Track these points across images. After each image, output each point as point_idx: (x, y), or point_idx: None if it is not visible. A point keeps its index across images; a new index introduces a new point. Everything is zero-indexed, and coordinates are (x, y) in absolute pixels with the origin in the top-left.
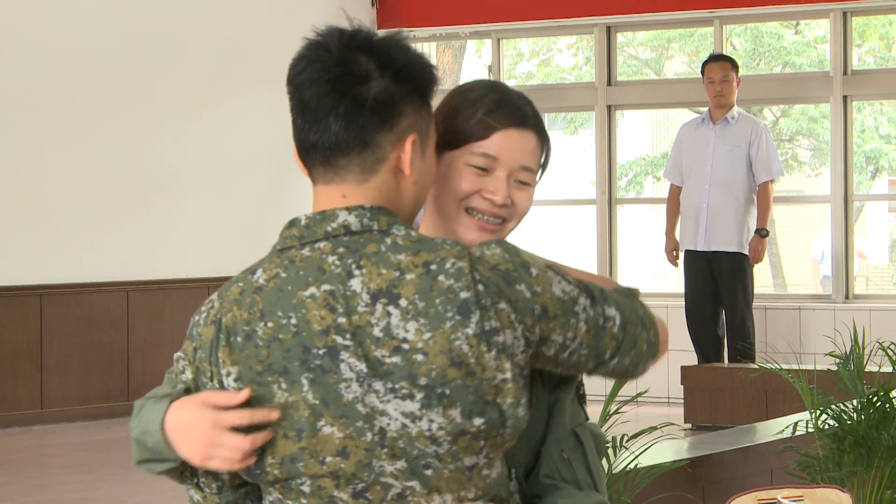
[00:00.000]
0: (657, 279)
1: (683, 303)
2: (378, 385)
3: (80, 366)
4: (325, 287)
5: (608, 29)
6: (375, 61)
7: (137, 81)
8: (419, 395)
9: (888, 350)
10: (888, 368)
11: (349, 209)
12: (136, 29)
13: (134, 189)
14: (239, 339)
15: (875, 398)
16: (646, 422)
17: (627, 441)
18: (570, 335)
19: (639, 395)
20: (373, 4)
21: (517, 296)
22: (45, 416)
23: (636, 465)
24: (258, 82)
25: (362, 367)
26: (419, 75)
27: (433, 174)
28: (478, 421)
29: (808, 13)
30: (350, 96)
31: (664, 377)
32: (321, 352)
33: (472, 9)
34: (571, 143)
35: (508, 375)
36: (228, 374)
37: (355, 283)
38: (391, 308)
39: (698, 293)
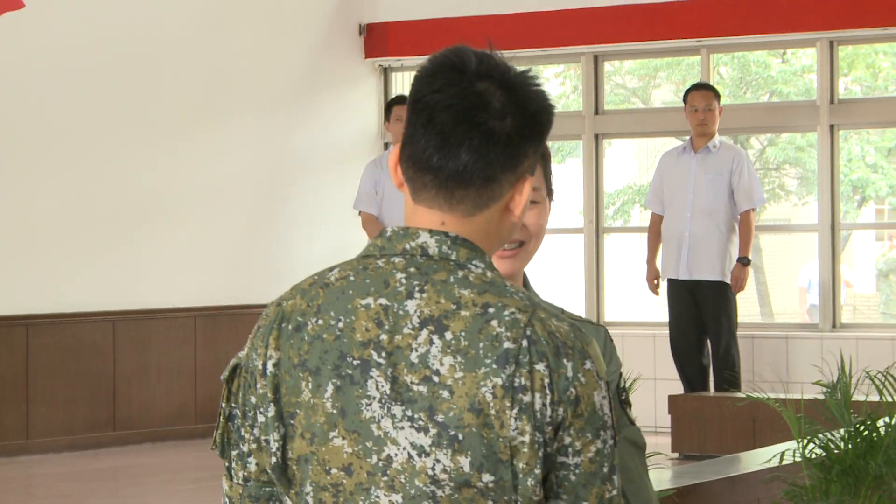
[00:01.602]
0: (644, 308)
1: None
2: (397, 410)
3: (66, 396)
4: (382, 301)
5: (595, 58)
6: (511, 97)
7: (122, 108)
8: (433, 431)
9: (875, 379)
10: (875, 397)
11: (431, 232)
12: (120, 56)
13: (119, 218)
14: (290, 327)
15: (862, 427)
16: None
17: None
18: (577, 446)
19: None
20: (360, 33)
21: (559, 368)
22: (31, 446)
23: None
24: (244, 110)
25: (387, 388)
26: (546, 120)
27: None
28: (487, 477)
29: (795, 42)
30: (484, 129)
31: (651, 406)
32: (355, 362)
33: (459, 38)
34: (559, 172)
35: (527, 439)
36: (270, 358)
37: (410, 305)
38: (435, 338)
39: (682, 322)
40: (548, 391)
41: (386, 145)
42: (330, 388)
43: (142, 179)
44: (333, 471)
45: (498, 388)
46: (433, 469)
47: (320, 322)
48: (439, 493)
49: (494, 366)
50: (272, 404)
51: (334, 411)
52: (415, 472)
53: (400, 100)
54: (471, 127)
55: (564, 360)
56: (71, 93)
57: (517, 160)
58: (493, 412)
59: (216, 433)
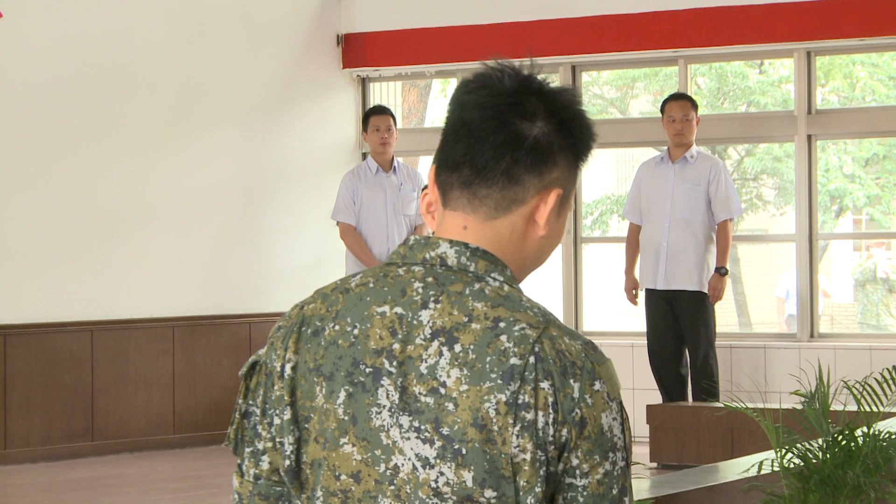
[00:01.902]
0: (622, 318)
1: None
2: (405, 420)
3: (43, 406)
4: (398, 310)
5: (573, 68)
6: (545, 105)
7: (99, 118)
8: (438, 443)
9: (853, 389)
10: (853, 407)
11: (452, 243)
12: (97, 65)
13: (97, 227)
14: (309, 331)
15: (840, 437)
16: None
17: None
18: (584, 468)
19: None
20: (338, 44)
21: (565, 388)
22: (8, 456)
23: None
24: (221, 120)
25: (396, 397)
26: (582, 133)
27: (559, 240)
28: (489, 493)
29: (772, 53)
30: (512, 128)
31: (630, 416)
32: (367, 370)
33: (438, 48)
34: None
35: (528, 457)
36: (289, 361)
37: (424, 315)
38: (445, 349)
39: (660, 332)
40: (551, 410)
41: (364, 155)
42: (342, 395)
43: (120, 189)
44: (343, 477)
45: (501, 405)
46: (436, 482)
47: (337, 328)
48: None
49: (500, 381)
50: (288, 407)
51: (346, 418)
52: (419, 483)
53: (378, 110)
54: (498, 124)
55: (571, 381)
56: (48, 102)
57: (544, 166)
58: (496, 428)
59: (231, 429)
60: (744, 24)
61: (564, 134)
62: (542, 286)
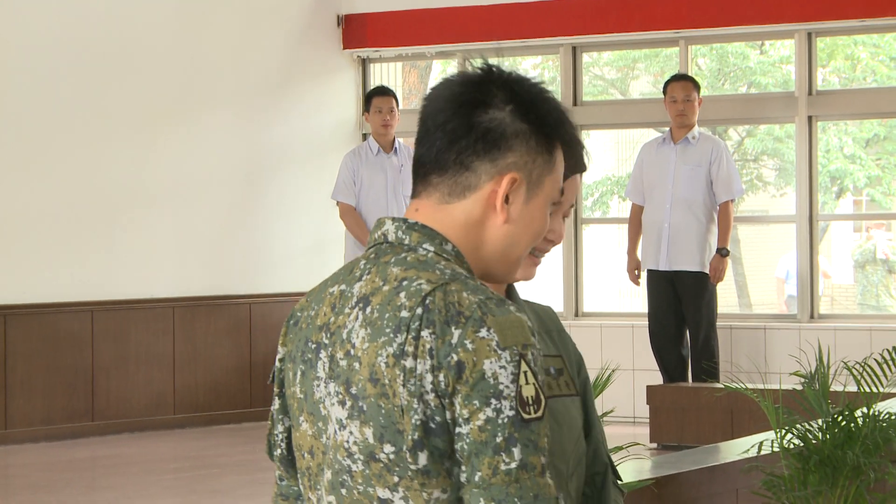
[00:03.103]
0: (623, 299)
1: (647, 322)
2: (332, 387)
3: (44, 386)
4: (342, 287)
5: (574, 49)
6: (504, 93)
7: (101, 99)
8: (348, 403)
9: (853, 369)
10: (853, 388)
11: (394, 220)
12: (98, 47)
13: (98, 208)
14: (292, 322)
15: (840, 418)
16: (612, 441)
17: None
18: (465, 414)
19: (605, 414)
20: (338, 24)
21: (445, 335)
22: (9, 436)
23: None
24: (223, 101)
25: (328, 367)
26: (542, 119)
27: (536, 230)
28: (388, 448)
29: (773, 34)
30: (462, 116)
31: (630, 397)
32: (312, 346)
33: (438, 29)
34: None
35: (405, 403)
36: (279, 354)
37: (357, 287)
38: (359, 313)
39: (662, 313)
40: (428, 357)
41: (364, 136)
42: (298, 375)
43: (120, 170)
44: (306, 455)
45: (390, 357)
46: (348, 442)
47: (306, 314)
48: (353, 467)
49: (391, 335)
50: (277, 398)
51: (301, 396)
52: (337, 446)
53: (380, 91)
54: (449, 114)
55: (452, 328)
56: (48, 85)
57: (497, 152)
58: (386, 381)
59: (267, 436)
60: (744, 5)
61: (522, 117)
62: (543, 267)
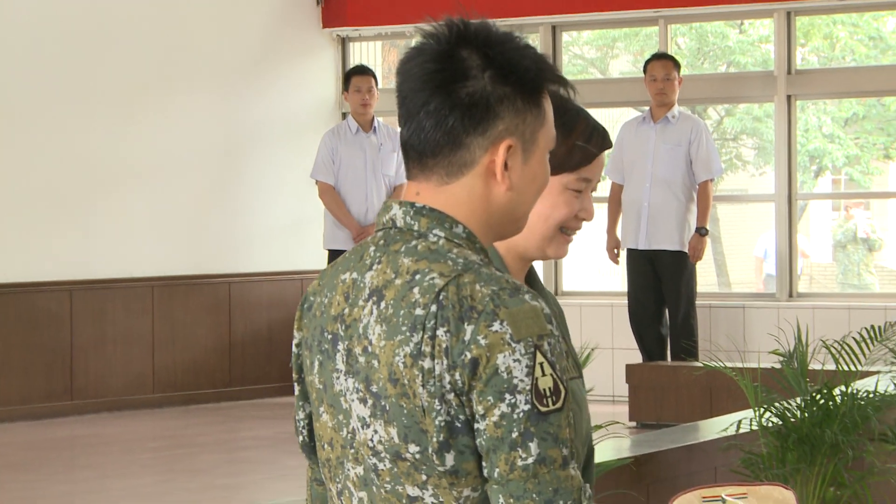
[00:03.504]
0: (602, 278)
1: (627, 301)
2: (350, 382)
3: (22, 366)
4: (354, 275)
5: (553, 28)
6: (479, 58)
7: (79, 79)
8: (370, 402)
9: (831, 348)
10: (831, 366)
11: (401, 204)
12: (76, 27)
13: (77, 187)
14: (306, 306)
15: (818, 396)
16: (591, 420)
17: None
18: (480, 410)
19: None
20: (318, 3)
21: (459, 332)
22: None
23: None
24: (202, 80)
25: (346, 360)
26: (522, 77)
27: (540, 184)
28: (413, 448)
29: (752, 13)
30: (443, 93)
31: (609, 375)
32: (329, 337)
33: (418, 7)
34: None
35: (426, 405)
36: (295, 339)
37: (368, 277)
38: (374, 308)
39: (641, 292)
40: (445, 357)
41: (344, 115)
42: (316, 364)
43: (99, 149)
44: (325, 446)
45: (407, 357)
46: (372, 440)
47: (318, 300)
48: (380, 465)
49: (408, 333)
50: (296, 384)
51: (321, 387)
52: (362, 443)
53: (359, 70)
54: (429, 93)
55: (465, 324)
56: (26, 63)
57: (487, 123)
58: (406, 381)
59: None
60: None
61: (503, 81)
62: None
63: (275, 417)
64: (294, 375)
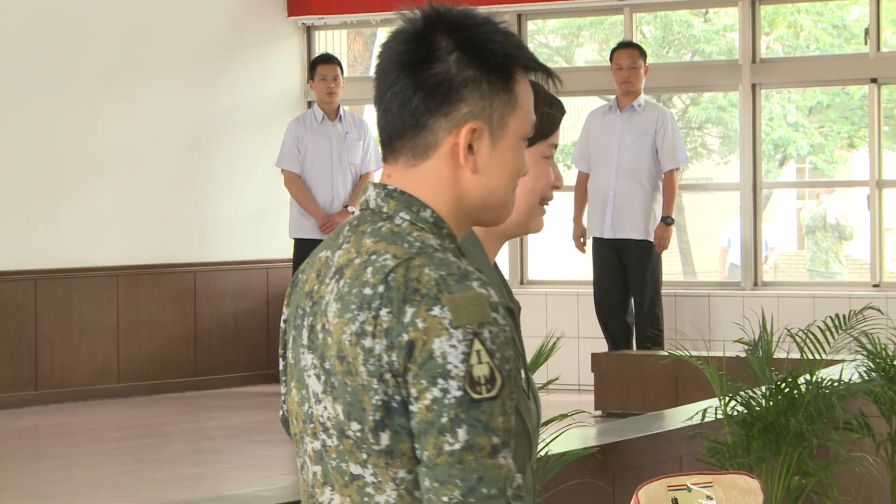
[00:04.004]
0: (567, 267)
1: (592, 290)
2: (310, 358)
3: None
4: (327, 253)
5: (519, 17)
6: (448, 41)
7: (43, 68)
8: (322, 377)
9: (796, 337)
10: (796, 355)
11: (374, 186)
12: (40, 15)
13: (41, 176)
14: (295, 284)
15: (783, 384)
16: (556, 409)
17: (539, 427)
18: (414, 393)
19: (549, 382)
20: None
21: (400, 314)
22: None
23: (547, 453)
24: (166, 68)
25: (308, 336)
26: (489, 61)
27: (512, 170)
28: (354, 426)
29: (717, 1)
30: (409, 75)
31: (574, 364)
32: (301, 312)
33: None
34: None
35: (365, 383)
36: (284, 314)
37: (336, 256)
38: (335, 286)
39: (607, 280)
40: (384, 337)
41: (309, 104)
42: (290, 340)
43: (64, 138)
44: (293, 421)
45: (352, 335)
46: (322, 416)
47: (302, 277)
48: (328, 442)
49: (356, 312)
50: (281, 360)
51: (293, 361)
52: (315, 419)
53: (325, 59)
54: (396, 75)
55: (407, 306)
56: None
57: (450, 105)
58: (350, 359)
59: None
60: None
61: (468, 63)
62: None
63: (241, 407)
64: (280, 350)
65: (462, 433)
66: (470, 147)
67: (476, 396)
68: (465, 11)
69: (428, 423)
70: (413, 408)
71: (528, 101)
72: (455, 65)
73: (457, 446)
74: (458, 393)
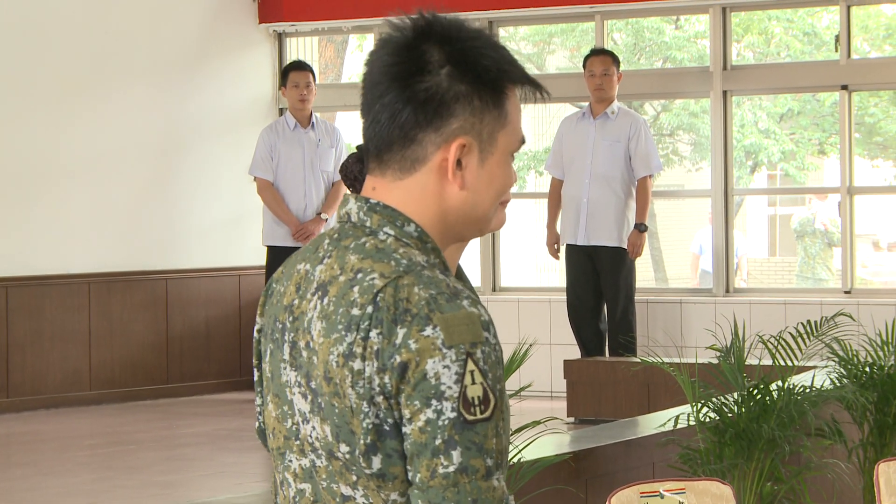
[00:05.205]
0: (540, 273)
1: (565, 297)
2: (293, 375)
3: None
4: (307, 266)
5: (490, 24)
6: (439, 54)
7: (13, 74)
8: (309, 397)
9: (768, 343)
10: (768, 361)
11: (356, 199)
12: (8, 21)
13: (12, 183)
14: (269, 293)
15: (755, 391)
16: (529, 416)
17: (511, 435)
18: (407, 414)
19: (522, 389)
20: None
21: (391, 335)
22: None
23: (520, 459)
24: (137, 75)
25: (290, 353)
26: (481, 76)
27: (498, 186)
28: (344, 448)
29: (688, 8)
30: (399, 87)
31: (547, 371)
32: (280, 326)
33: (354, 3)
34: None
35: (354, 406)
36: (258, 323)
37: (318, 271)
38: (318, 302)
39: (580, 287)
40: (375, 359)
41: (281, 111)
42: (267, 353)
43: (35, 145)
44: (270, 435)
45: (340, 357)
46: (311, 436)
47: (278, 287)
48: (317, 462)
49: (343, 332)
50: (255, 370)
51: (270, 375)
52: (304, 438)
53: (297, 66)
54: (385, 86)
55: (398, 327)
56: None
57: (440, 120)
58: (337, 381)
59: None
60: None
61: (460, 78)
62: None
63: (213, 414)
64: (254, 361)
65: (456, 455)
66: (458, 162)
67: (470, 418)
68: (456, 22)
69: (422, 445)
70: (406, 429)
71: (517, 117)
72: (447, 79)
73: (451, 468)
74: (453, 414)
